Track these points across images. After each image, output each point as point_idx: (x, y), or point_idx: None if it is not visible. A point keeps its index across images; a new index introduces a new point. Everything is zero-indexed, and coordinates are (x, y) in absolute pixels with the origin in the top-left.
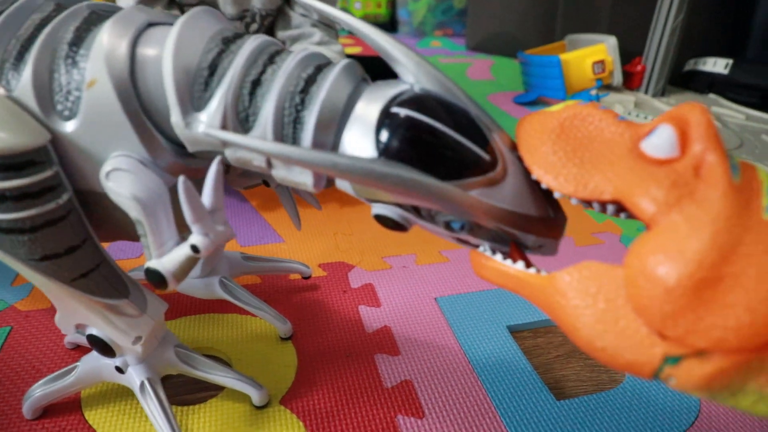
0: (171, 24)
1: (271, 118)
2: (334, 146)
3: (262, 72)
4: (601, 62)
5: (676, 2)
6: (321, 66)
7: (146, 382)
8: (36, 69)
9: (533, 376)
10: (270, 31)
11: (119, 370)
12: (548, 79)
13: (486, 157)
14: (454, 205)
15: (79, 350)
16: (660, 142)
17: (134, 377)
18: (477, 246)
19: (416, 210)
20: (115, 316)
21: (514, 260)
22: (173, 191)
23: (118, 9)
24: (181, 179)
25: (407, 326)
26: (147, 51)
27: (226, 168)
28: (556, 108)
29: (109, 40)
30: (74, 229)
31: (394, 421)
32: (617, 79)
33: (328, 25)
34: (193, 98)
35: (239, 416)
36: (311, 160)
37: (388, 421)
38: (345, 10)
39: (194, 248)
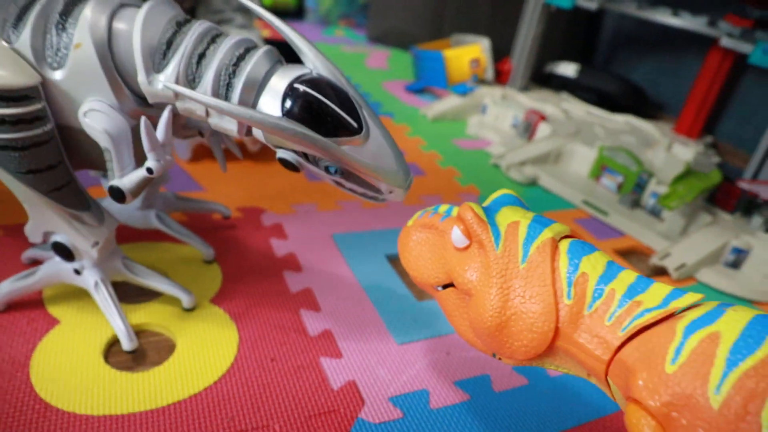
0: (137, 6)
1: (210, 81)
2: (253, 106)
3: (206, 48)
4: (477, 60)
5: (536, 15)
6: (249, 48)
7: (99, 282)
8: (33, 29)
9: (403, 288)
10: (191, 13)
11: (77, 272)
12: (433, 72)
13: (354, 125)
14: (330, 153)
15: (34, 264)
16: (456, 238)
17: (89, 278)
18: (352, 189)
19: (305, 156)
20: (79, 224)
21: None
22: (134, 130)
23: None
24: (143, 119)
25: (309, 253)
26: (120, 25)
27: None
28: (410, 223)
29: (92, 15)
30: (53, 151)
31: (298, 314)
32: (489, 74)
33: (246, 12)
34: (154, 64)
35: (176, 313)
36: (237, 113)
37: (294, 314)
38: (261, 4)
39: (149, 170)
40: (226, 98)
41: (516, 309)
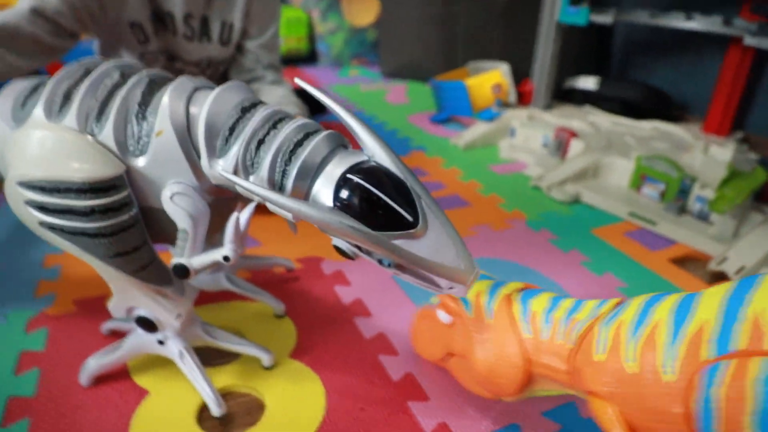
0: (211, 88)
1: (267, 168)
2: (308, 192)
3: (267, 134)
4: (498, 85)
5: (551, 34)
6: (310, 133)
7: (184, 351)
8: (116, 122)
9: None
10: (225, 75)
11: (161, 342)
12: (457, 101)
13: (409, 218)
14: (381, 249)
15: (114, 335)
16: (444, 318)
17: (173, 347)
18: (410, 281)
19: (359, 247)
20: (162, 299)
21: None
22: (210, 206)
23: (169, 77)
24: (233, 216)
25: (375, 297)
26: (194, 110)
27: None
28: (419, 314)
29: (171, 102)
30: (138, 233)
31: (378, 359)
32: (512, 97)
33: (276, 67)
34: (216, 149)
35: (259, 371)
36: (283, 205)
37: (373, 359)
38: (331, 98)
39: (225, 258)
40: (282, 185)
41: (495, 353)
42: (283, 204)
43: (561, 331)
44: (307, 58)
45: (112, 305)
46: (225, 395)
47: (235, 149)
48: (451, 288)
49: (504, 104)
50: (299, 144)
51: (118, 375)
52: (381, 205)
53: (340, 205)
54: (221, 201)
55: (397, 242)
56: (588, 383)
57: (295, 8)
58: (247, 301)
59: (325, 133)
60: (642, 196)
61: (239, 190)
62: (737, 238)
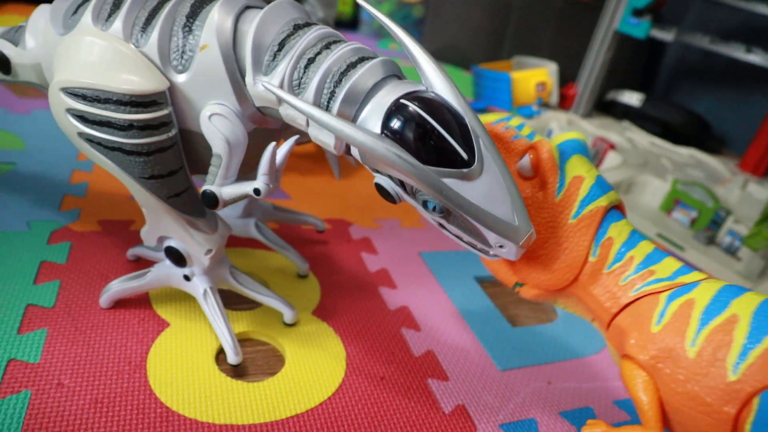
0: (262, 8)
1: (314, 88)
2: (355, 118)
3: (318, 53)
4: (543, 83)
5: (607, 41)
6: (364, 57)
7: (209, 290)
8: (161, 33)
9: (496, 312)
10: None
11: (186, 278)
12: (498, 92)
13: (464, 155)
14: (427, 185)
15: (139, 262)
16: (524, 166)
17: (198, 285)
18: (455, 235)
19: (403, 185)
20: (194, 231)
21: None
22: (249, 136)
23: None
24: (271, 145)
25: (400, 270)
26: (243, 27)
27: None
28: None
29: (219, 17)
30: (176, 157)
31: (400, 332)
32: (554, 99)
33: (328, 25)
34: (263, 65)
35: (279, 322)
36: (326, 123)
37: (395, 331)
38: (392, 21)
39: (256, 191)
40: (327, 108)
41: (550, 250)
42: (326, 122)
43: (629, 276)
44: (349, 23)
45: (144, 232)
46: (244, 341)
47: (283, 66)
48: (500, 247)
49: (544, 104)
50: (352, 66)
51: (139, 302)
52: (434, 136)
53: (389, 133)
54: (261, 133)
55: (448, 181)
56: (629, 347)
57: None
58: (270, 251)
59: (381, 58)
60: (671, 219)
61: (281, 113)
62: (764, 277)
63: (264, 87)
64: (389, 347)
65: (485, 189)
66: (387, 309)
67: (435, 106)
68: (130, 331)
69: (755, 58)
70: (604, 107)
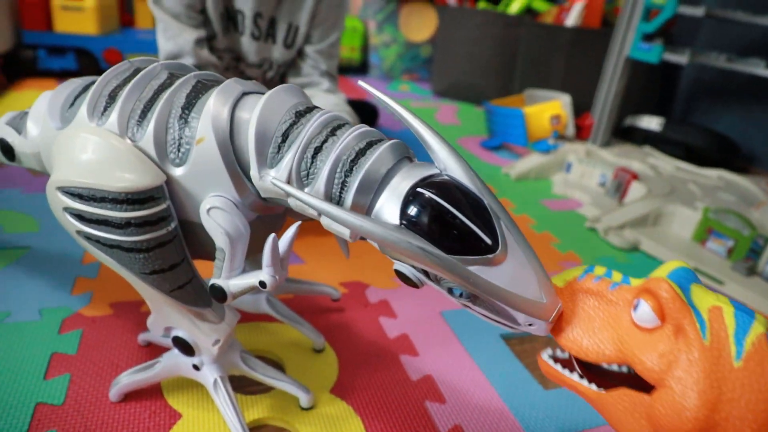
0: (261, 93)
1: (324, 178)
2: (370, 208)
3: (324, 141)
4: (558, 116)
5: (619, 68)
6: (373, 142)
7: (219, 380)
8: (157, 126)
9: (525, 373)
10: (282, 77)
11: (196, 367)
12: (512, 128)
13: (488, 241)
14: (453, 275)
15: (150, 347)
16: (644, 316)
17: (208, 375)
18: (482, 314)
19: (426, 273)
20: (200, 321)
21: (571, 371)
22: (253, 224)
23: (219, 79)
24: (271, 237)
25: (422, 334)
26: (242, 115)
27: None
28: (562, 284)
29: (215, 107)
30: (177, 250)
31: (424, 406)
32: (570, 130)
33: (332, 76)
34: (268, 158)
35: (295, 404)
36: (343, 220)
37: (419, 406)
38: (399, 104)
39: (262, 284)
40: (340, 199)
41: (729, 416)
42: (342, 219)
43: None
44: (359, 68)
45: (150, 322)
46: (259, 428)
47: (289, 157)
48: (530, 325)
49: (560, 137)
50: (362, 153)
51: (151, 393)
52: (456, 224)
53: (408, 223)
54: (267, 219)
55: (474, 268)
56: None
57: (351, 17)
58: (286, 326)
59: (391, 141)
60: (706, 250)
61: (291, 204)
62: None
63: (273, 183)
64: (413, 425)
65: (511, 271)
66: (409, 380)
67: (452, 191)
68: (141, 426)
69: None
70: (623, 134)
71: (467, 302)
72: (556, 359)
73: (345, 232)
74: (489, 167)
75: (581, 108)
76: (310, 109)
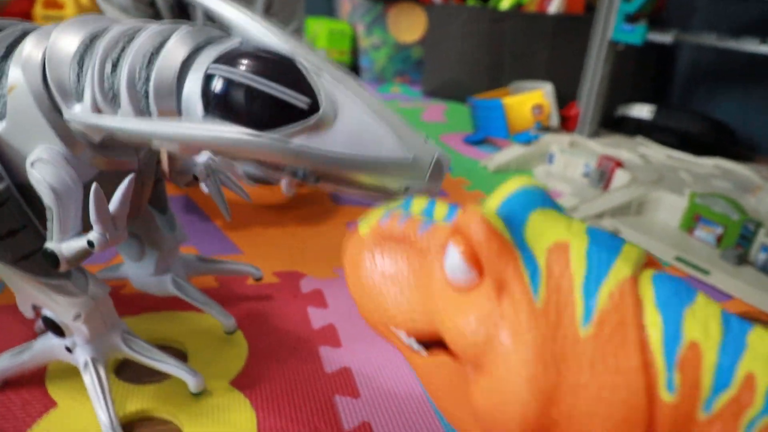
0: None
1: (126, 95)
2: (180, 110)
3: (122, 51)
4: (539, 106)
5: (603, 53)
6: (169, 36)
7: (89, 361)
8: None
9: None
10: None
11: (69, 349)
12: (493, 121)
13: (301, 103)
14: (279, 155)
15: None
16: (454, 268)
17: (79, 356)
18: (355, 192)
19: (261, 163)
20: (57, 295)
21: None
22: (105, 185)
23: (49, 29)
24: (94, 186)
25: (350, 325)
26: (51, 55)
27: (170, 161)
28: (365, 229)
29: (27, 51)
30: (12, 215)
31: (333, 401)
32: (554, 121)
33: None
34: (71, 91)
35: (187, 396)
36: (140, 132)
37: (327, 400)
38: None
39: (90, 243)
40: (149, 112)
41: (573, 407)
42: (140, 131)
43: (755, 420)
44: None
45: (18, 302)
46: (143, 420)
47: (88, 84)
48: (406, 189)
49: (544, 128)
50: (156, 52)
51: (32, 380)
52: (252, 93)
53: (210, 112)
54: (117, 176)
55: (299, 139)
56: None
57: (340, 21)
58: (201, 312)
59: (185, 28)
60: (695, 239)
61: (119, 137)
62: None
63: (72, 119)
64: (313, 420)
65: (350, 131)
66: (323, 372)
67: (246, 58)
68: (9, 416)
69: None
70: (615, 124)
71: (322, 185)
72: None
73: (174, 147)
74: (467, 161)
75: (568, 98)
76: (110, 28)
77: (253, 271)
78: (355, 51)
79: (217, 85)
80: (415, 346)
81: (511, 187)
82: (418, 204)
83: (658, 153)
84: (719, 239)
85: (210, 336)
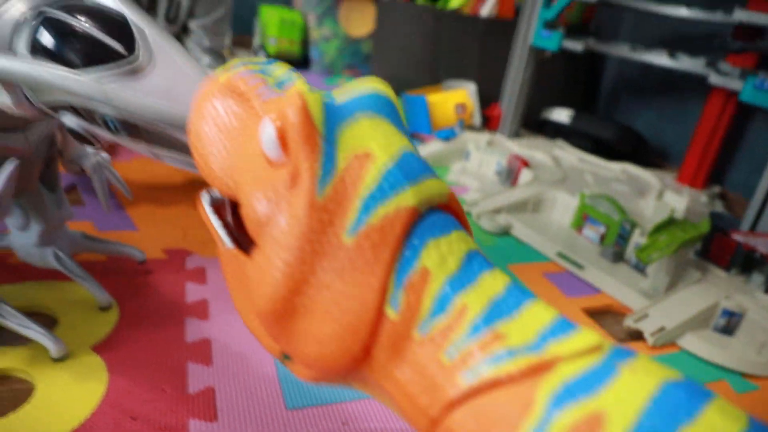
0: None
1: None
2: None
3: None
4: (462, 105)
5: (524, 58)
6: None
7: None
8: None
9: None
10: None
11: None
12: (417, 116)
13: (119, 47)
14: (91, 95)
15: None
16: (267, 143)
17: None
18: (169, 159)
19: (77, 112)
20: None
21: (222, 216)
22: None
23: None
24: None
25: (225, 301)
26: None
27: (59, 153)
28: (222, 78)
29: None
30: None
31: (184, 367)
32: (477, 120)
33: (217, 53)
34: None
35: (47, 357)
36: None
37: (179, 366)
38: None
39: None
40: None
41: (314, 302)
42: None
43: (461, 344)
44: (300, 63)
45: None
46: (1, 378)
47: None
48: None
49: (467, 126)
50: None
51: None
52: (72, 31)
53: (38, 50)
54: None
55: (113, 84)
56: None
57: (293, 11)
58: (76, 284)
59: None
60: (582, 237)
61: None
62: (667, 295)
63: None
64: (160, 383)
65: (166, 85)
66: (183, 342)
67: (78, 8)
68: None
69: (678, 63)
70: (540, 127)
71: (132, 141)
72: (214, 202)
73: (7, 101)
74: None
75: (493, 98)
76: None
77: (137, 253)
78: (305, 42)
79: (43, 24)
80: (221, 231)
81: (364, 86)
82: (280, 70)
83: (570, 155)
84: (602, 238)
85: (84, 305)
